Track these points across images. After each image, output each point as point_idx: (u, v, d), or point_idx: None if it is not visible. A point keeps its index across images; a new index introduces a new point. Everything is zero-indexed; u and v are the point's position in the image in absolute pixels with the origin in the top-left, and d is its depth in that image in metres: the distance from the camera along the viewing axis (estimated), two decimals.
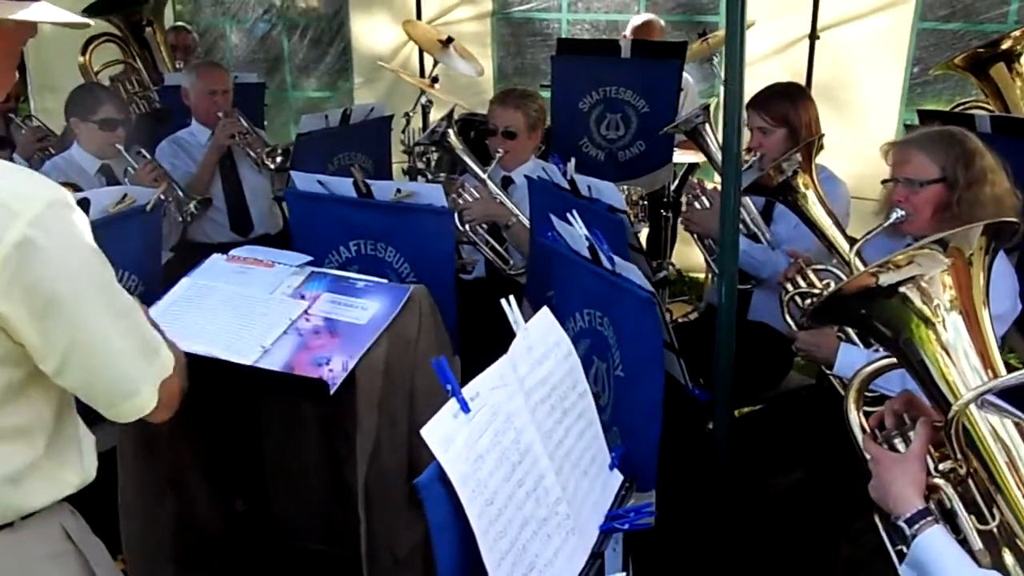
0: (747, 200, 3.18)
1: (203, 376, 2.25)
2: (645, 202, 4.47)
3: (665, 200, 4.90)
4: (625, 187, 4.43)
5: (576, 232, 2.38)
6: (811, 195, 2.63)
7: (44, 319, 1.35)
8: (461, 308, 2.90)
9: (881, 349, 1.61)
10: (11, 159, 3.99)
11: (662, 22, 5.13)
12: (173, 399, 1.57)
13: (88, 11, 5.06)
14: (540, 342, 1.73)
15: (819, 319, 1.82)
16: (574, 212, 2.36)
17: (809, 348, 2.60)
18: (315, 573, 2.66)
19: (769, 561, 2.75)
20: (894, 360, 1.51)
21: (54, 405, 1.50)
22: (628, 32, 5.00)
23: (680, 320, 4.66)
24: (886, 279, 1.34)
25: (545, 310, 1.79)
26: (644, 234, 4.76)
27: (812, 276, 2.64)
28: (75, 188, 3.16)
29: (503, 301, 1.67)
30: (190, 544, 2.48)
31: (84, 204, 2.55)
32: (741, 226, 3.24)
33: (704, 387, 2.42)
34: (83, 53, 5.40)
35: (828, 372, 2.61)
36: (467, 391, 1.46)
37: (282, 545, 2.48)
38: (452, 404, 1.42)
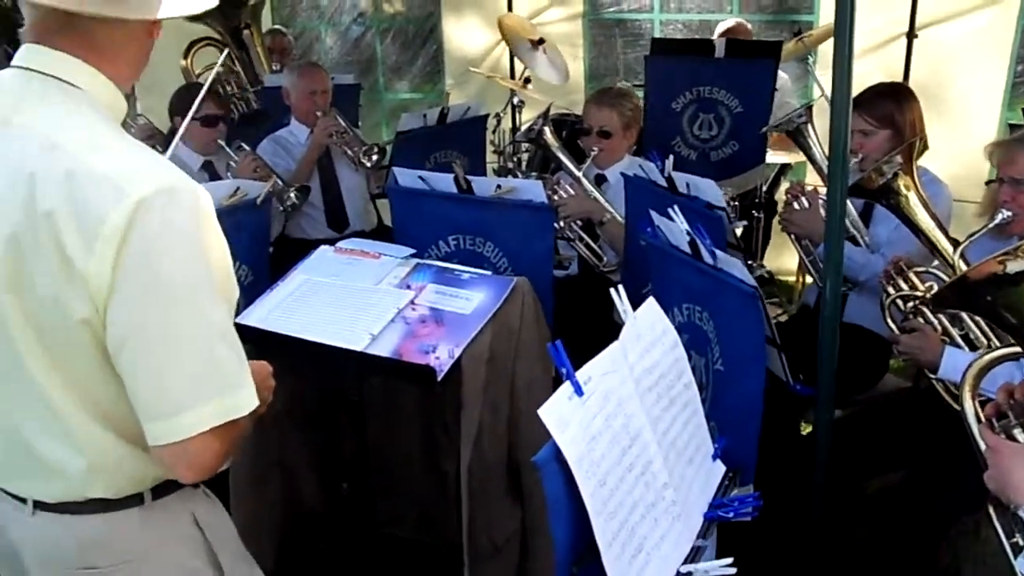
0: (847, 202, 3.15)
1: (312, 362, 2.36)
2: (737, 203, 4.46)
3: (757, 201, 4.86)
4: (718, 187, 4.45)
5: (677, 227, 2.40)
6: (912, 197, 2.60)
7: (120, 292, 1.34)
8: (555, 304, 2.94)
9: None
10: None
11: (749, 25, 5.11)
12: (209, 460, 1.44)
13: (190, 16, 5.26)
14: (648, 331, 1.76)
15: (941, 305, 1.81)
16: (676, 208, 2.38)
17: (912, 351, 2.57)
18: (411, 559, 2.73)
19: (866, 564, 2.72)
20: (1012, 351, 1.50)
21: None
22: (716, 34, 4.99)
23: (779, 320, 4.63)
24: (1014, 267, 1.34)
25: (651, 300, 1.82)
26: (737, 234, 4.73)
27: (914, 278, 2.61)
28: None
29: (612, 291, 1.71)
30: (295, 525, 2.57)
31: None
32: None
33: (805, 384, 2.41)
34: (185, 56, 5.60)
35: (931, 376, 2.57)
36: (580, 375, 1.49)
37: (381, 531, 2.55)
38: (567, 387, 1.46)
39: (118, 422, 1.46)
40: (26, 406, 1.46)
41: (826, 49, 5.22)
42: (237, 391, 1.42)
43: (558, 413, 1.42)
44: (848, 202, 3.18)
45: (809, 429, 2.81)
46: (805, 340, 2.74)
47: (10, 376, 1.45)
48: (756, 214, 4.95)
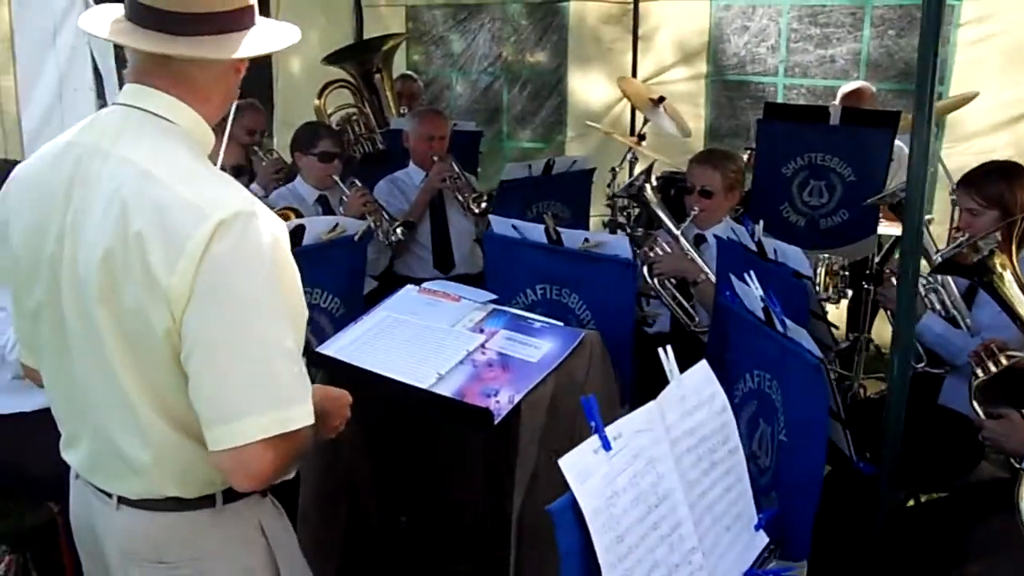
0: (949, 281, 3.07)
1: (384, 395, 2.45)
2: (847, 272, 4.36)
3: (868, 272, 4.74)
4: (826, 256, 4.36)
5: (752, 292, 2.39)
6: (1008, 277, 2.51)
7: (195, 304, 1.46)
8: (641, 360, 2.95)
9: None
10: (248, 186, 4.44)
11: (873, 89, 5.02)
12: (264, 469, 1.52)
13: (326, 60, 5.57)
14: (694, 393, 1.77)
15: (987, 395, 1.76)
16: (751, 273, 2.38)
17: (997, 437, 2.47)
18: None
19: None
20: None
21: None
22: (838, 99, 4.93)
23: (873, 396, 4.48)
24: None
25: (703, 363, 1.84)
26: (844, 305, 4.62)
27: (1005, 362, 2.51)
28: (296, 213, 3.48)
29: (660, 350, 1.73)
30: (357, 551, 2.66)
31: (299, 230, 2.83)
32: (940, 308, 3.12)
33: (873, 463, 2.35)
34: (319, 96, 5.90)
35: (1017, 464, 2.46)
36: (610, 430, 1.52)
37: (438, 566, 2.60)
38: (594, 440, 1.49)
39: (191, 427, 1.57)
40: (113, 407, 1.60)
41: (956, 119, 5.09)
42: (292, 406, 1.51)
43: (580, 465, 1.45)
44: (951, 281, 3.10)
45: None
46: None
47: (101, 379, 1.59)
48: (866, 285, 4.82)
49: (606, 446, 1.50)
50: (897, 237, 4.93)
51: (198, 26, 1.56)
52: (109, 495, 1.68)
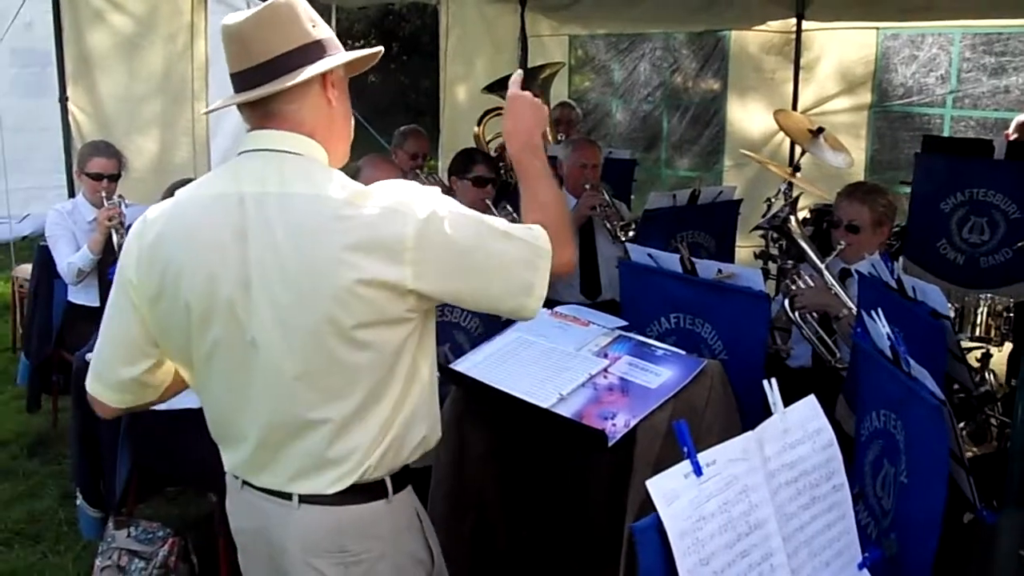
0: None
1: (512, 413, 2.57)
2: (1011, 314, 4.17)
3: None
4: (988, 296, 4.19)
5: (879, 330, 2.37)
6: None
7: (431, 277, 1.69)
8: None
9: None
10: None
11: None
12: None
13: (486, 89, 5.79)
14: (798, 427, 1.79)
15: None
16: (878, 310, 2.36)
17: None
18: None
19: None
20: None
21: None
22: (1011, 129, 4.71)
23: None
24: None
25: (812, 398, 1.85)
26: (1007, 349, 4.41)
27: None
28: None
29: (765, 383, 1.77)
30: (479, 562, 2.78)
31: None
32: None
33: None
34: (478, 124, 6.12)
35: None
36: (704, 457, 1.58)
37: None
38: (685, 465, 1.55)
39: (377, 417, 1.76)
40: (299, 412, 1.75)
41: None
42: (536, 235, 1.79)
43: (668, 487, 1.51)
44: None
45: None
46: None
47: (287, 388, 1.74)
48: None
49: (697, 471, 1.56)
50: None
51: (273, 70, 1.73)
52: (288, 497, 1.82)
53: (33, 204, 8.10)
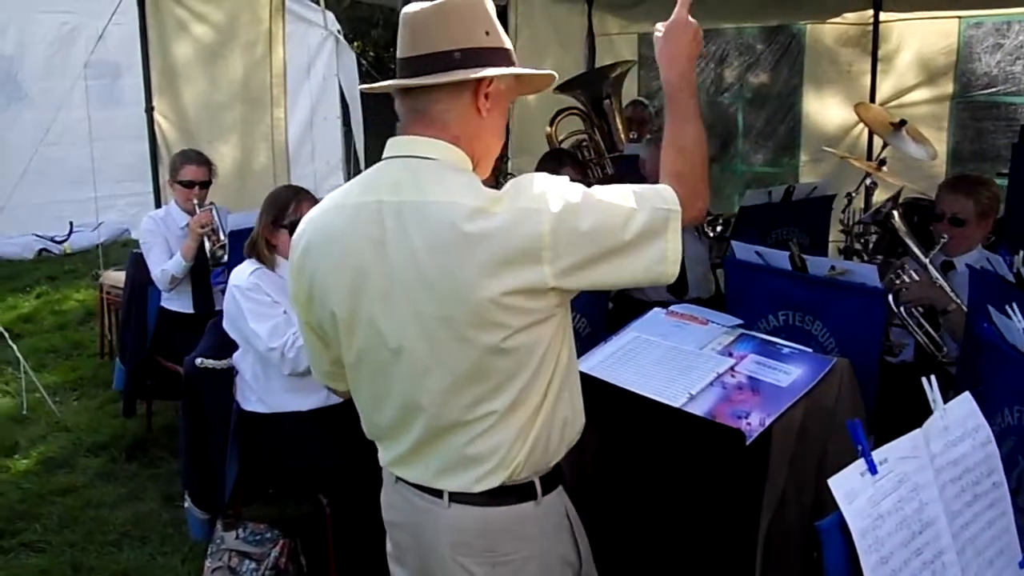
0: None
1: (633, 412, 2.58)
2: None
3: None
4: None
5: (1015, 326, 2.34)
6: None
7: (573, 263, 1.66)
8: (883, 390, 2.92)
9: None
10: None
11: None
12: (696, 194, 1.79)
13: (558, 89, 5.80)
14: (957, 425, 1.78)
15: None
16: (1014, 305, 2.33)
17: None
18: None
19: None
20: None
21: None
22: None
23: None
24: None
25: (967, 395, 1.84)
26: None
27: None
28: None
29: (924, 380, 1.76)
30: (599, 560, 2.78)
31: None
32: None
33: None
34: (550, 124, 6.12)
35: None
36: (877, 455, 1.58)
37: None
38: (860, 463, 1.55)
39: (520, 415, 1.78)
40: (450, 411, 1.79)
41: None
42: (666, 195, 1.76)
43: (848, 486, 1.52)
44: None
45: None
46: None
47: (439, 391, 1.77)
48: None
49: (872, 470, 1.56)
50: None
51: (431, 64, 1.74)
52: (439, 494, 1.86)
53: (104, 213, 8.27)
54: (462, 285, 1.68)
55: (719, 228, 4.44)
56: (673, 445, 2.58)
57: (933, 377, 1.76)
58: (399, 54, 1.80)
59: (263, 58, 5.93)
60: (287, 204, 3.45)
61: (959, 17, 5.75)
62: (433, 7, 1.75)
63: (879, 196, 5.32)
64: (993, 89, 5.79)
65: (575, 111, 6.07)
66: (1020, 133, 4.20)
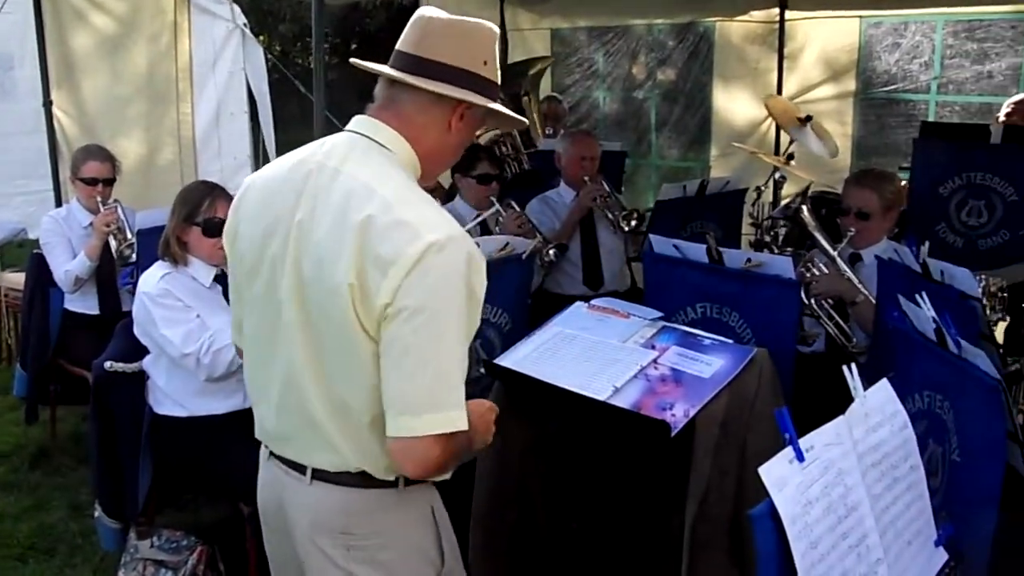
0: None
1: (557, 407, 2.58)
2: (1005, 294, 4.27)
3: None
4: (984, 277, 4.27)
5: (924, 314, 2.42)
6: None
7: (401, 312, 1.67)
8: (796, 379, 3.00)
9: None
10: None
11: None
12: (431, 461, 1.71)
13: None
14: (877, 411, 1.83)
15: None
16: (923, 294, 2.41)
17: None
18: None
19: None
20: None
21: None
22: (1002, 113, 4.82)
23: None
24: None
25: (885, 382, 1.89)
26: (1002, 327, 4.51)
27: None
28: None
29: (845, 368, 1.80)
30: (523, 557, 2.79)
31: None
32: None
33: None
34: None
35: None
36: (803, 442, 1.61)
37: (604, 573, 2.71)
38: (788, 451, 1.58)
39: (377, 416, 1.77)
40: (312, 387, 1.82)
41: None
42: (459, 408, 1.72)
43: (777, 473, 1.54)
44: None
45: None
46: None
47: (306, 363, 1.81)
48: None
49: (799, 457, 1.59)
50: None
51: (428, 69, 1.82)
52: (302, 471, 1.89)
53: None
54: (335, 256, 1.72)
55: (634, 222, 4.49)
56: (599, 438, 2.59)
57: (854, 365, 1.81)
58: (400, 46, 1.87)
59: (168, 51, 5.77)
60: (200, 201, 3.35)
61: (860, 17, 5.94)
62: (450, 21, 1.84)
63: (787, 190, 5.47)
64: (893, 86, 6.00)
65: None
66: (920, 129, 4.36)
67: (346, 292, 1.71)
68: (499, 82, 1.94)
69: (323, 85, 3.41)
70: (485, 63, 1.87)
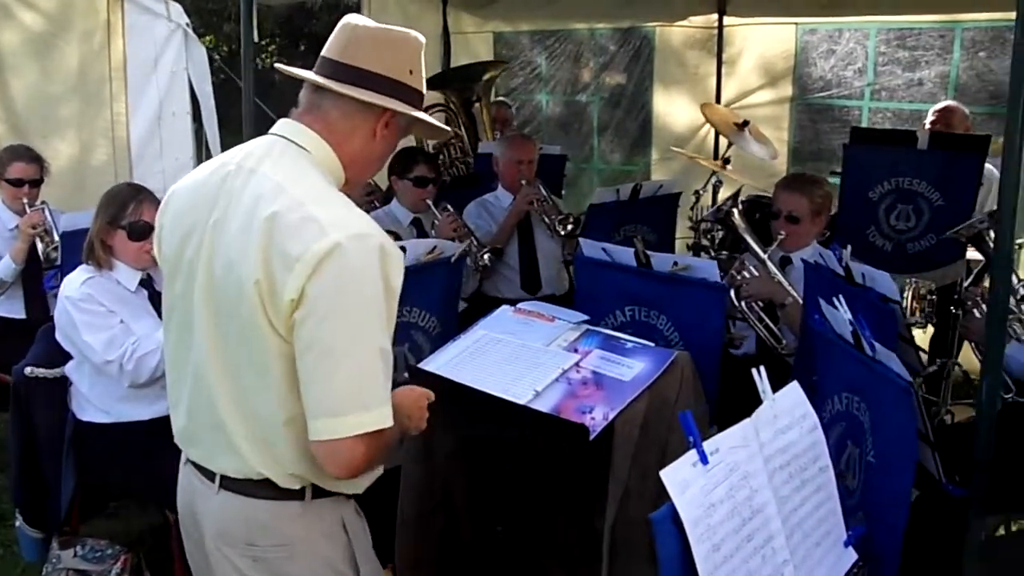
0: None
1: (480, 411, 2.57)
2: (934, 297, 4.35)
3: (956, 296, 4.70)
4: (913, 280, 4.35)
5: (841, 316, 2.45)
6: None
7: (307, 310, 1.65)
8: (726, 381, 3.02)
9: None
10: None
11: (966, 110, 4.99)
12: (356, 461, 1.69)
13: (428, 84, 5.75)
14: (786, 413, 1.85)
15: None
16: (840, 297, 2.44)
17: None
18: None
19: None
20: None
21: None
22: (928, 119, 4.92)
23: (962, 422, 4.44)
24: None
25: (795, 384, 1.91)
26: (930, 330, 4.60)
27: None
28: (395, 236, 3.64)
29: (754, 371, 1.82)
30: (450, 561, 2.78)
31: (400, 252, 2.97)
32: None
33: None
34: None
35: None
36: (708, 445, 1.62)
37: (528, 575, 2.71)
38: (692, 454, 1.59)
39: (293, 421, 1.75)
40: (223, 390, 1.80)
41: None
42: (384, 406, 1.70)
43: (680, 476, 1.55)
44: None
45: None
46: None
47: (217, 366, 1.79)
48: (954, 310, 4.77)
49: (703, 460, 1.59)
50: (984, 264, 4.90)
51: (353, 76, 1.81)
52: (211, 478, 1.87)
53: None
54: (244, 255, 1.71)
55: (570, 226, 4.49)
56: (523, 443, 2.58)
57: (763, 368, 1.82)
58: (326, 52, 1.86)
59: (101, 50, 5.64)
60: (126, 203, 3.28)
61: (795, 24, 6.02)
62: (377, 29, 1.84)
63: (725, 193, 5.53)
64: (828, 92, 6.09)
65: (442, 108, 6.04)
66: (851, 135, 4.42)
67: (252, 290, 1.69)
68: (424, 91, 1.94)
69: (251, 85, 3.36)
70: (411, 72, 1.87)
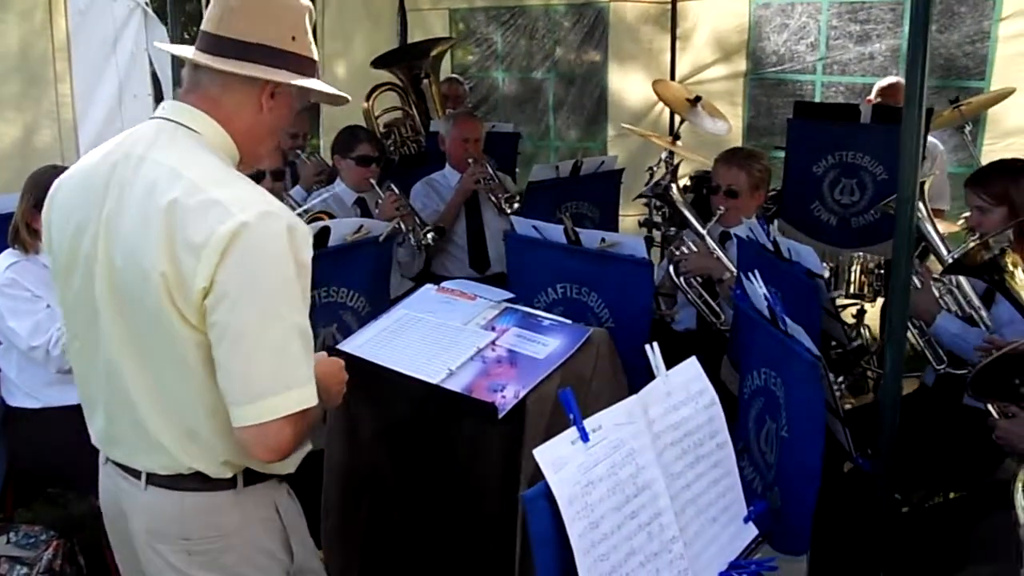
0: (963, 281, 3.06)
1: (401, 391, 2.55)
2: (881, 271, 4.35)
3: None
4: (860, 255, 4.36)
5: (757, 291, 2.43)
6: (1020, 274, 2.52)
7: (218, 295, 1.61)
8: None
9: None
10: (291, 188, 4.58)
11: None
12: (284, 443, 1.67)
13: (376, 63, 5.68)
14: (680, 389, 1.83)
15: (982, 387, 1.79)
16: (755, 272, 2.42)
17: (1010, 437, 2.48)
18: None
19: None
20: None
21: None
22: (873, 94, 4.90)
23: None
24: None
25: (693, 360, 1.89)
26: (879, 304, 4.60)
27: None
28: (329, 216, 3.60)
29: (647, 347, 1.80)
30: (380, 544, 2.76)
31: (325, 232, 2.94)
32: (956, 308, 3.12)
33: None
34: (367, 99, 6.01)
35: None
36: (590, 423, 1.60)
37: (454, 556, 2.69)
38: (572, 431, 1.57)
39: (216, 410, 1.72)
40: (136, 385, 1.76)
41: (996, 116, 5.05)
42: (307, 385, 1.69)
43: (555, 455, 1.53)
44: (965, 281, 3.10)
45: None
46: (919, 420, 2.67)
47: (128, 362, 1.75)
48: None
49: (584, 437, 1.57)
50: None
51: (229, 49, 1.77)
52: (137, 476, 1.83)
53: None
54: (146, 244, 1.66)
55: (516, 204, 4.46)
56: (438, 422, 2.56)
57: (656, 344, 1.80)
58: (204, 26, 1.81)
59: (43, 28, 5.53)
60: (50, 185, 3.22)
61: None
62: None
63: (683, 169, 5.52)
64: (781, 67, 6.06)
65: (392, 87, 5.97)
66: (794, 109, 4.39)
67: (159, 282, 1.64)
68: (314, 57, 1.87)
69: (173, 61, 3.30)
70: (293, 38, 1.81)
